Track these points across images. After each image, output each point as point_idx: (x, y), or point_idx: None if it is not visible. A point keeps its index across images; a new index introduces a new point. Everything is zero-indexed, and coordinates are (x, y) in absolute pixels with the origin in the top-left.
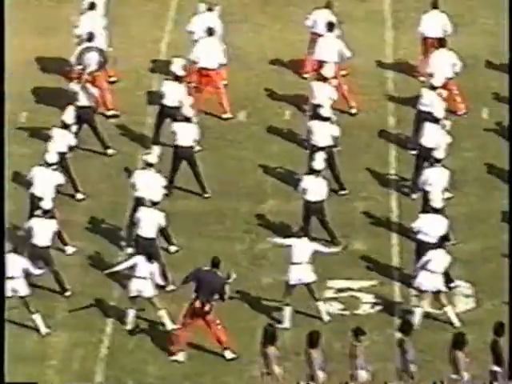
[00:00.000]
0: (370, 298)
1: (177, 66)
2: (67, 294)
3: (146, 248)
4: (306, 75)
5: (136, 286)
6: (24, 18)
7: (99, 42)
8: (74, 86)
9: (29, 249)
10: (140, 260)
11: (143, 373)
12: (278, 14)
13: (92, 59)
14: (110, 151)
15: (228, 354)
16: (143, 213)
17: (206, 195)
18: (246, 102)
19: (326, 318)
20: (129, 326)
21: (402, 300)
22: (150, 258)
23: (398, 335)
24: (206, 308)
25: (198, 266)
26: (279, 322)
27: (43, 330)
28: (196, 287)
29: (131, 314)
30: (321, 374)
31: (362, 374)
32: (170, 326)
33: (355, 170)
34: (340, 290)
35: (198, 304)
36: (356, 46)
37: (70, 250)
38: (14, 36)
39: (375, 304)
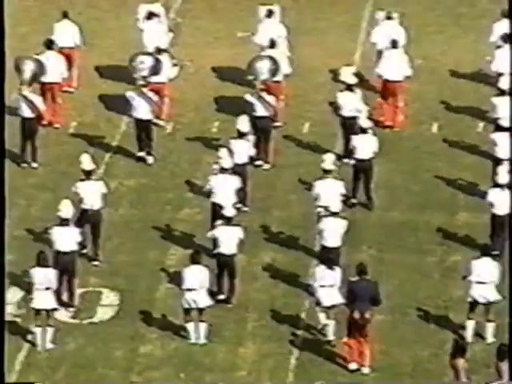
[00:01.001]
0: None
1: (346, 75)
2: (229, 305)
3: (330, 257)
4: None
5: (327, 296)
6: (215, 28)
7: (280, 50)
8: (249, 97)
9: (216, 258)
10: (322, 269)
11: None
12: (471, 26)
13: (264, 68)
14: (266, 166)
15: (352, 366)
16: (326, 223)
17: (370, 208)
18: (439, 115)
19: (490, 339)
20: (330, 337)
21: None
22: (331, 265)
23: None
24: (367, 316)
25: (374, 279)
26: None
27: (202, 339)
28: (351, 299)
29: (330, 325)
30: None
31: None
32: (331, 336)
33: None
34: None
35: (356, 315)
36: None
37: None
38: (200, 45)
39: None
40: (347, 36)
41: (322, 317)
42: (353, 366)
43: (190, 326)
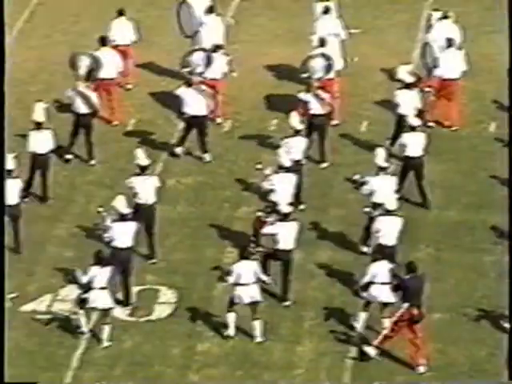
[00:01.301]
0: None
1: (404, 73)
2: (287, 303)
3: (387, 256)
4: None
5: (379, 293)
6: (274, 26)
7: (333, 47)
8: (304, 95)
9: (274, 253)
10: (381, 266)
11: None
12: None
13: (317, 65)
14: (324, 165)
15: (421, 369)
16: (381, 221)
17: (427, 206)
18: (497, 114)
19: None
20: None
21: None
22: (387, 263)
23: None
24: (421, 312)
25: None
26: None
27: (260, 337)
28: (405, 297)
29: (362, 316)
30: None
31: None
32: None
33: None
34: None
35: (415, 311)
36: None
37: None
38: (259, 42)
39: None
40: (406, 35)
41: (362, 315)
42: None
43: (231, 317)
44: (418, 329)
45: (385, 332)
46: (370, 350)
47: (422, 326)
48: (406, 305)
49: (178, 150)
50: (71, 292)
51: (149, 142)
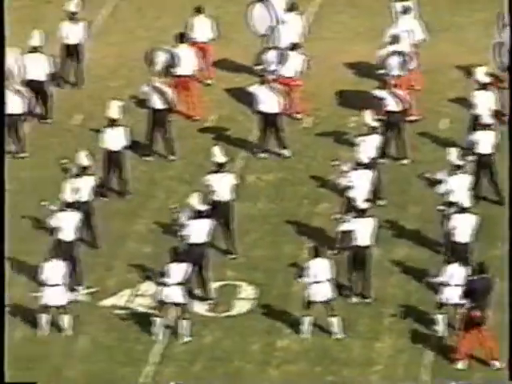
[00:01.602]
0: None
1: (481, 75)
2: (368, 300)
3: (461, 253)
4: None
5: (453, 295)
6: (356, 23)
7: (408, 45)
8: (379, 92)
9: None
10: (456, 268)
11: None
12: None
13: (394, 62)
14: (405, 161)
15: (497, 364)
16: (457, 218)
17: (501, 203)
18: None
19: None
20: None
21: None
22: (460, 262)
23: None
24: (485, 314)
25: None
26: None
27: (340, 334)
28: (471, 297)
29: (440, 318)
30: None
31: None
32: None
33: None
34: None
35: (477, 313)
36: None
37: None
38: (340, 40)
39: None
40: (485, 32)
41: (439, 317)
42: (460, 365)
43: (306, 320)
44: (483, 329)
45: (458, 339)
46: (459, 365)
47: (490, 326)
48: (467, 305)
49: (262, 154)
50: (150, 287)
51: (228, 137)
